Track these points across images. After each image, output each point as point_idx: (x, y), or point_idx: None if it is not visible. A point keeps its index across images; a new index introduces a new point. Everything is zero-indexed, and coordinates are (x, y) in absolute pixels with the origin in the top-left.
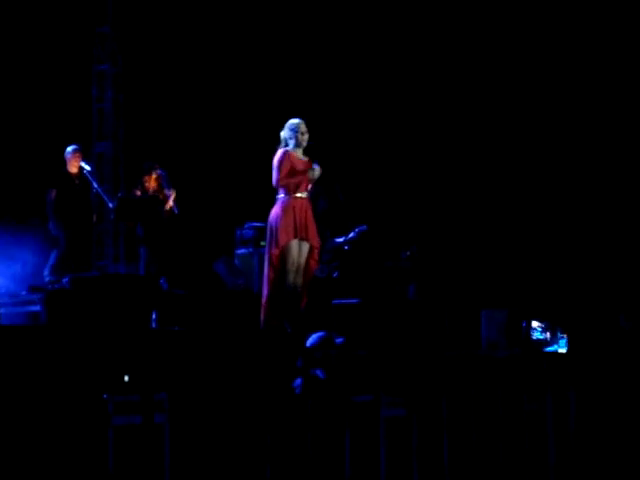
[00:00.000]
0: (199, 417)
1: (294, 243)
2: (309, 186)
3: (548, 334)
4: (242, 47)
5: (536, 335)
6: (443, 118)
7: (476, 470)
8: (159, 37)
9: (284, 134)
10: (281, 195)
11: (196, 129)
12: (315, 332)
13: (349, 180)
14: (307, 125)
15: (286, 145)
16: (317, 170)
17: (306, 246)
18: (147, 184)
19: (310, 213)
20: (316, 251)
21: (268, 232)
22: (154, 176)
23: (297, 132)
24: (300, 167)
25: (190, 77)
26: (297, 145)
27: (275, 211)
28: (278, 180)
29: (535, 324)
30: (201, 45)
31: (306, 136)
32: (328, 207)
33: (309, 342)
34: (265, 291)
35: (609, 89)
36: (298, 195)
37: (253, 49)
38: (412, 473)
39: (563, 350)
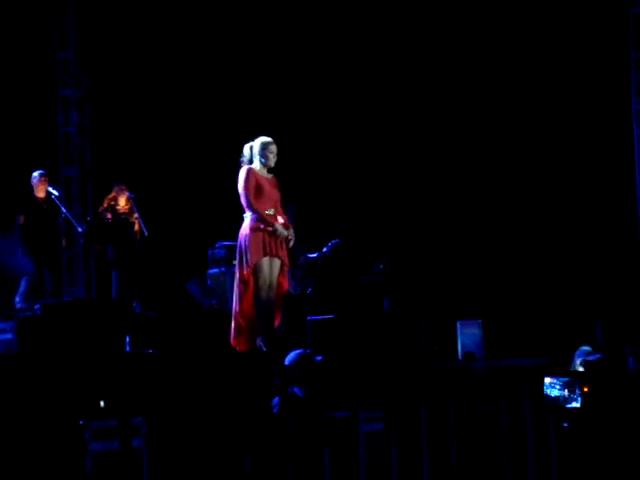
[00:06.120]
0: (177, 440)
1: (265, 261)
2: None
3: (566, 391)
4: (206, 67)
5: (554, 393)
6: (413, 130)
7: None
8: (122, 60)
9: (253, 150)
10: (249, 213)
11: (163, 150)
12: (293, 350)
13: (319, 193)
14: (278, 141)
15: (250, 162)
16: (284, 233)
17: (277, 263)
18: (118, 206)
19: None
20: (286, 269)
21: (238, 251)
22: (124, 197)
23: (267, 151)
24: (266, 185)
25: (155, 99)
26: (264, 165)
27: (244, 230)
28: (249, 203)
29: (548, 380)
30: (165, 66)
31: (274, 158)
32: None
33: (287, 360)
34: (235, 310)
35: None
36: (266, 212)
37: (217, 68)
38: None
39: (577, 405)
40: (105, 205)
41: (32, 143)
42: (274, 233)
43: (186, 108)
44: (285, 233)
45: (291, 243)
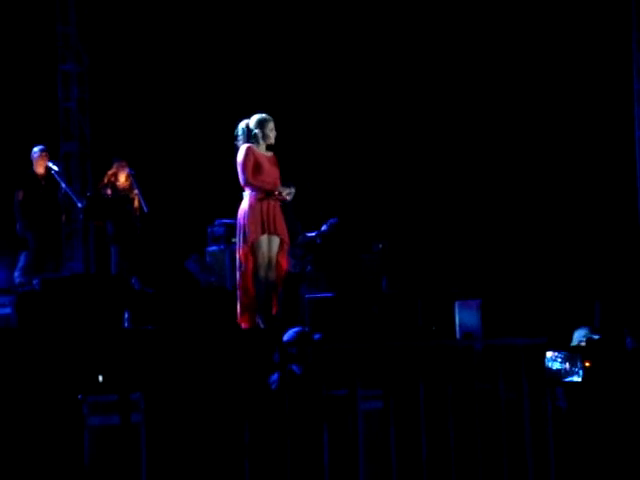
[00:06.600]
0: (175, 416)
1: (263, 239)
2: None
3: (567, 364)
4: (209, 43)
5: (555, 366)
6: (413, 109)
7: (454, 461)
8: (123, 35)
9: (251, 127)
10: (248, 191)
11: (164, 126)
12: (292, 327)
13: (319, 172)
14: (278, 119)
15: (247, 139)
16: (287, 190)
17: (276, 240)
18: (118, 182)
19: (278, 208)
20: (286, 246)
21: (237, 229)
22: (125, 173)
23: (266, 129)
24: (265, 163)
25: (157, 74)
26: (264, 142)
27: (243, 208)
28: (246, 180)
29: (550, 354)
30: (167, 41)
31: (273, 134)
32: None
33: (286, 337)
34: (238, 288)
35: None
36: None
37: (220, 45)
38: (391, 465)
39: (578, 379)
40: (105, 181)
41: (32, 118)
42: (280, 195)
43: (187, 84)
44: (289, 189)
45: (290, 197)
